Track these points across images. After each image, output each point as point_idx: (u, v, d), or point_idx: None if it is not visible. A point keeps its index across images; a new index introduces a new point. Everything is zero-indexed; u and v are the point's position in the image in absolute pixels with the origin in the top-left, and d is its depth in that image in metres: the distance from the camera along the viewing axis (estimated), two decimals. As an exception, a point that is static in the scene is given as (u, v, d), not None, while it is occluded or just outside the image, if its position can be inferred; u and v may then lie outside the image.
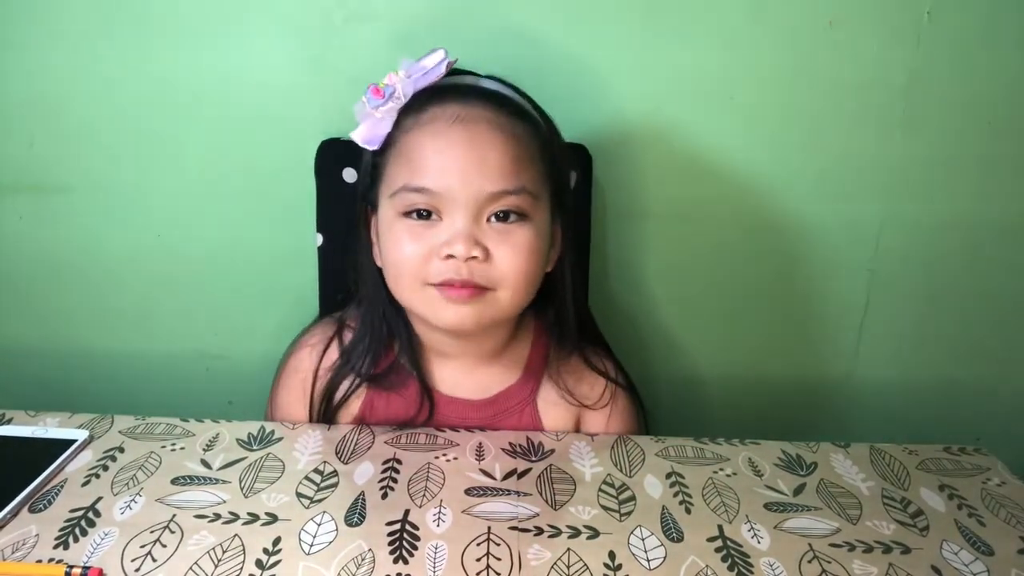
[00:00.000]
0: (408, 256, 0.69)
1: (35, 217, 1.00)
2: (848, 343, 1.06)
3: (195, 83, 0.94)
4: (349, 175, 0.92)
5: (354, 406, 0.79)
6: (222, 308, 1.04)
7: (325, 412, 0.78)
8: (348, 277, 0.82)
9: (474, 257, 0.68)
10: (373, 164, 0.74)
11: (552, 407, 0.80)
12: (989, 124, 0.96)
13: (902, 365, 1.06)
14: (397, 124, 0.72)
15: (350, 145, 0.91)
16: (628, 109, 0.95)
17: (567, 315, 0.78)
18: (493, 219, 0.69)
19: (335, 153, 0.93)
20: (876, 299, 1.03)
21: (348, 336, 0.80)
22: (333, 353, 0.79)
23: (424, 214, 0.69)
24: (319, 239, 0.96)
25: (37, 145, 0.97)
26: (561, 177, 0.77)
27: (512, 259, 0.69)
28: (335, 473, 0.69)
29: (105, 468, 0.68)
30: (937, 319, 1.04)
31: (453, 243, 0.67)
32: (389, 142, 0.72)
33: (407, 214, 0.70)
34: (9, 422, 0.74)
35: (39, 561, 0.57)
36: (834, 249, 1.01)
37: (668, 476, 0.70)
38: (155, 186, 0.98)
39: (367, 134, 0.72)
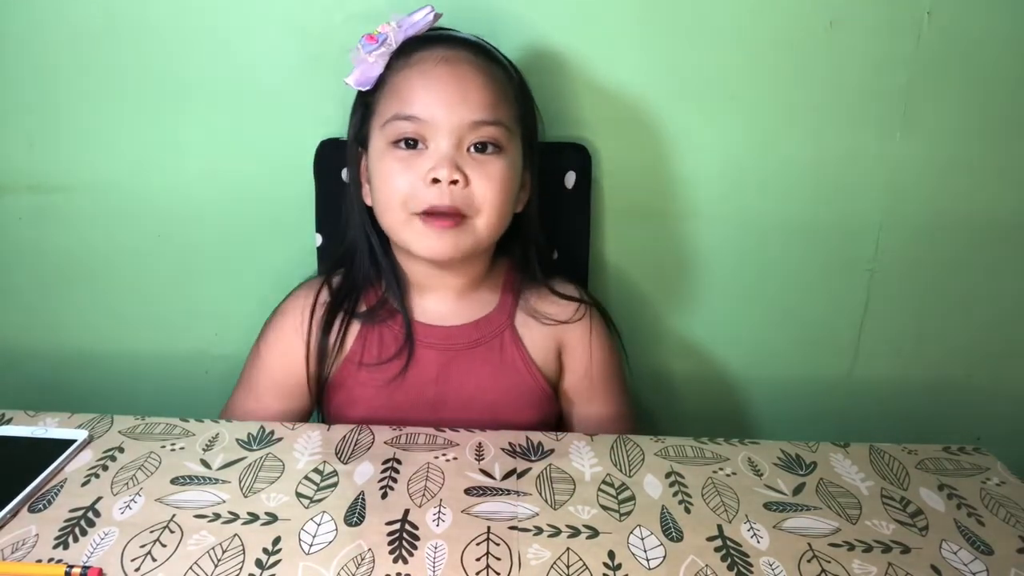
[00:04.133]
0: (398, 186, 0.76)
1: (35, 217, 1.00)
2: (848, 343, 1.06)
3: (195, 83, 0.94)
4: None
5: (349, 344, 0.84)
6: (222, 308, 1.04)
7: (321, 349, 0.82)
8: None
9: (455, 182, 0.75)
10: (365, 103, 0.82)
11: (529, 330, 0.86)
12: (989, 124, 0.96)
13: (902, 365, 1.06)
14: (388, 67, 0.79)
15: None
16: (628, 109, 0.95)
17: (533, 250, 0.86)
18: (472, 149, 0.77)
19: (335, 153, 0.93)
20: (876, 299, 1.03)
21: (337, 282, 0.86)
22: (323, 297, 0.85)
23: (411, 143, 0.76)
24: (319, 239, 0.96)
25: (37, 145, 0.97)
26: (532, 128, 0.84)
27: (488, 187, 0.76)
28: (335, 473, 0.69)
29: (105, 468, 0.68)
30: (937, 319, 1.04)
31: (438, 168, 0.74)
32: (380, 83, 0.79)
33: (396, 143, 0.77)
34: (9, 422, 0.74)
35: (39, 561, 0.57)
36: (834, 249, 1.01)
37: (668, 476, 0.70)
38: (155, 186, 0.98)
39: (360, 77, 0.79)
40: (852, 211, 0.99)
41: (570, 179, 0.94)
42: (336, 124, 0.94)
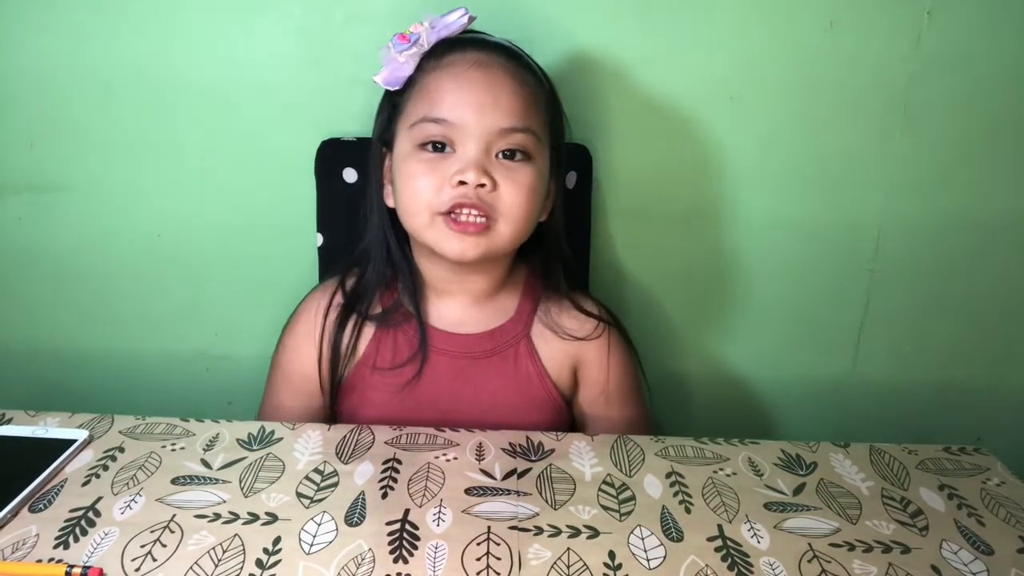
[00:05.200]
0: (422, 188, 0.75)
1: (35, 217, 1.00)
2: (848, 343, 1.06)
3: (195, 83, 0.94)
4: (349, 175, 0.93)
5: (362, 347, 0.83)
6: (222, 308, 1.04)
7: (334, 351, 0.82)
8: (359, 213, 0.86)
9: (482, 185, 0.73)
10: (392, 103, 0.80)
11: (545, 342, 0.84)
12: (989, 124, 0.96)
13: (902, 365, 1.06)
14: (419, 68, 0.78)
15: (350, 145, 0.92)
16: (628, 109, 0.95)
17: (556, 261, 0.85)
18: (501, 155, 0.75)
19: (335, 153, 0.93)
20: (876, 299, 1.03)
21: (351, 284, 0.85)
22: (338, 299, 0.84)
23: (439, 146, 0.75)
24: (319, 239, 0.96)
25: (37, 145, 0.97)
26: (560, 137, 0.83)
27: (515, 194, 0.75)
28: (335, 473, 0.69)
29: (105, 468, 0.68)
30: (937, 319, 1.04)
31: (465, 170, 0.73)
32: (409, 83, 0.78)
33: (423, 146, 0.76)
34: (9, 422, 0.74)
35: (39, 561, 0.57)
36: (834, 249, 1.01)
37: (668, 476, 0.70)
38: (155, 186, 0.98)
39: (389, 76, 0.78)
40: (852, 211, 0.99)
41: (571, 179, 0.94)
42: (336, 124, 0.94)
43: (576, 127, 0.94)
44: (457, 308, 0.84)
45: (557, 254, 0.85)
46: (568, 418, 0.87)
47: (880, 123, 0.95)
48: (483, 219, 0.74)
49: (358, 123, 0.92)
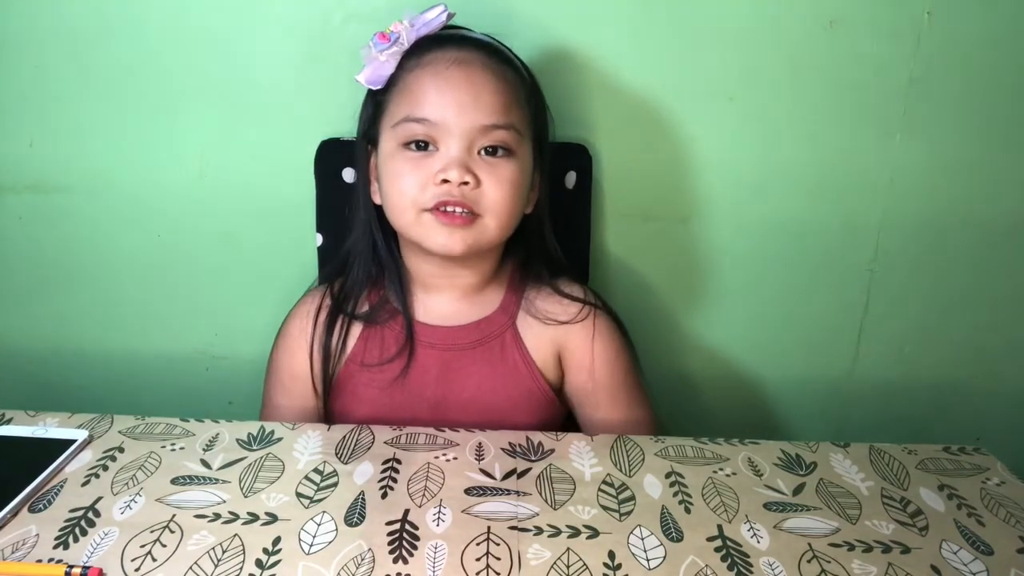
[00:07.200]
0: (407, 186, 0.76)
1: (35, 217, 1.00)
2: (848, 343, 1.06)
3: (195, 83, 0.94)
4: (349, 175, 0.93)
5: (350, 346, 0.84)
6: (222, 308, 1.04)
7: (325, 352, 0.83)
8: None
9: (465, 183, 0.75)
10: (376, 102, 0.81)
11: (530, 330, 0.85)
12: (989, 124, 0.96)
13: (902, 365, 1.06)
14: (400, 66, 0.79)
15: (350, 145, 0.92)
16: (628, 109, 0.95)
17: (538, 251, 0.86)
18: (483, 152, 0.76)
19: (335, 153, 0.93)
20: (876, 299, 1.03)
21: (339, 285, 0.86)
22: (327, 301, 0.85)
23: (422, 145, 0.76)
24: (319, 239, 0.96)
25: (37, 145, 0.97)
26: (543, 129, 0.84)
27: (498, 189, 0.76)
28: (335, 473, 0.69)
29: (105, 468, 0.68)
30: (937, 319, 1.04)
31: (448, 169, 0.74)
32: (392, 82, 0.79)
33: (406, 145, 0.77)
34: (9, 422, 0.74)
35: (39, 561, 0.57)
36: (834, 249, 1.01)
37: (668, 476, 0.70)
38: (155, 186, 0.98)
39: (372, 75, 0.79)
40: (852, 211, 0.99)
41: (571, 179, 0.94)
42: (336, 124, 0.94)
43: (576, 127, 0.94)
44: (444, 302, 0.84)
45: (539, 244, 0.86)
46: (560, 411, 0.87)
47: (880, 123, 0.95)
48: (468, 213, 0.76)
49: (358, 123, 0.92)
